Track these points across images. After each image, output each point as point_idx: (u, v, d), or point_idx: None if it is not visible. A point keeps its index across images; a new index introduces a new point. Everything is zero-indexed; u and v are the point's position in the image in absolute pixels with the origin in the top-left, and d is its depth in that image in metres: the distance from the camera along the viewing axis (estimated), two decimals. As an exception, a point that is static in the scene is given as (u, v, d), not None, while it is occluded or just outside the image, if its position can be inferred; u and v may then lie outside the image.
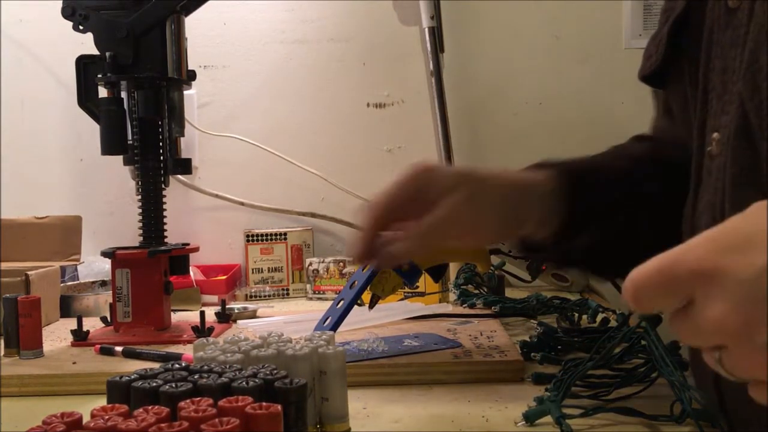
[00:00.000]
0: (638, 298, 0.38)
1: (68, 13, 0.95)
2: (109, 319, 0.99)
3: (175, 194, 1.35)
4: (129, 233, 1.16)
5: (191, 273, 1.24)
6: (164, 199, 1.00)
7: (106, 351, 0.87)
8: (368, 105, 1.51)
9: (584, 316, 0.98)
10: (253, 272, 1.38)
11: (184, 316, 1.08)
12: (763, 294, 0.35)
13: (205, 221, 1.51)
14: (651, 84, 0.70)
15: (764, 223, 0.37)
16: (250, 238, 1.39)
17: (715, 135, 0.56)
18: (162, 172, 0.99)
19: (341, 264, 1.31)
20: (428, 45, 1.45)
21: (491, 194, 0.69)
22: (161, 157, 0.99)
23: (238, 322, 1.06)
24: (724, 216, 0.54)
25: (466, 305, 1.09)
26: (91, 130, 0.98)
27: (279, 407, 0.46)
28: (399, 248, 0.67)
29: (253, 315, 1.12)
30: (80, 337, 0.92)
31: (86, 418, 0.46)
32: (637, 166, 0.76)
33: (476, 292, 1.17)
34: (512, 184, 0.70)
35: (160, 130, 0.98)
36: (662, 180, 0.75)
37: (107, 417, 0.45)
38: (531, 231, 0.72)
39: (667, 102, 0.80)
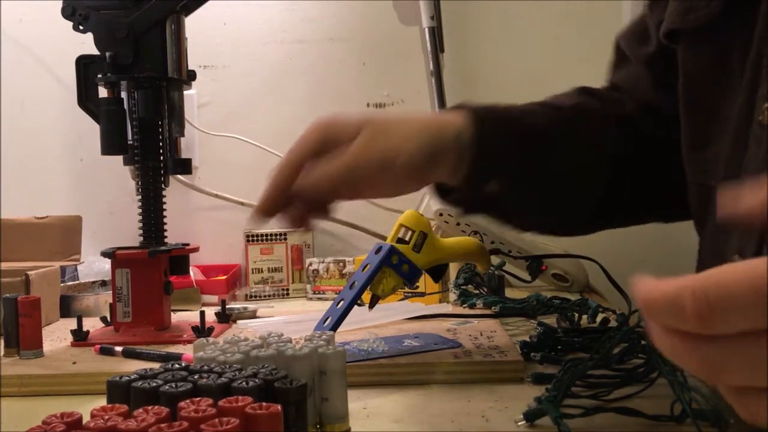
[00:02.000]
0: (709, 311, 0.29)
1: (68, 12, 0.95)
2: (109, 319, 0.99)
3: (175, 194, 1.35)
4: (129, 233, 1.16)
5: (191, 273, 1.24)
6: (164, 199, 1.00)
7: (106, 351, 0.87)
8: (368, 105, 1.51)
9: (584, 316, 0.98)
10: (253, 272, 1.38)
11: (184, 316, 1.08)
12: None
13: (205, 221, 1.51)
14: (674, 40, 0.66)
15: None
16: (250, 238, 1.39)
17: (767, 105, 0.54)
18: (162, 172, 0.99)
19: (341, 264, 1.31)
20: (428, 45, 1.45)
21: (397, 133, 0.65)
22: (161, 157, 0.99)
23: (238, 322, 1.06)
24: None
25: (466, 305, 1.09)
26: (91, 130, 0.98)
27: (279, 407, 0.46)
28: (306, 182, 0.63)
29: (253, 315, 1.12)
30: (80, 337, 0.92)
31: (86, 418, 0.46)
32: (568, 120, 0.74)
33: (476, 292, 1.17)
34: (420, 124, 0.67)
35: (160, 130, 0.98)
36: (601, 137, 0.75)
37: (107, 417, 0.45)
38: (444, 176, 0.69)
39: (638, 55, 0.78)
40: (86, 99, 0.97)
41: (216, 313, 1.03)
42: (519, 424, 0.60)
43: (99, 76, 0.95)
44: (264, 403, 0.47)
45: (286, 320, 1.07)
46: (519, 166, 0.71)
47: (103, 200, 1.50)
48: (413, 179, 0.68)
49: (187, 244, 1.01)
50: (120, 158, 0.99)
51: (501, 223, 0.76)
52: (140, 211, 0.99)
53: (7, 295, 0.88)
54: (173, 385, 0.50)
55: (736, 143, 0.58)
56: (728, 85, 0.60)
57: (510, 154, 0.70)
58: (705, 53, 0.63)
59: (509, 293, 1.18)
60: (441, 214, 1.33)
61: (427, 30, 1.45)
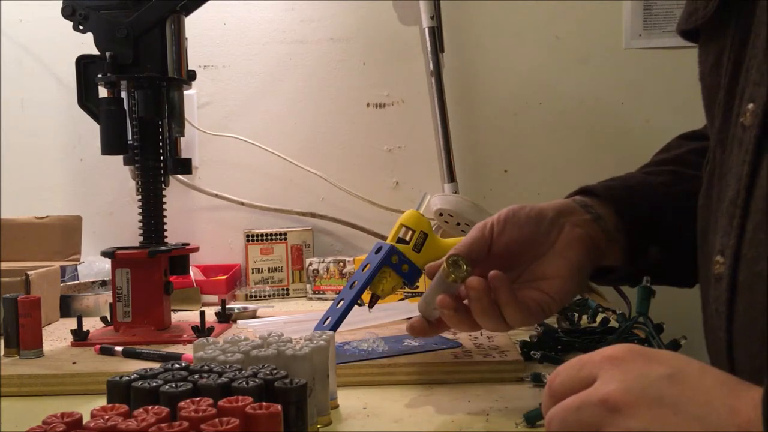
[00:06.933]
0: (553, 379, 0.47)
1: (68, 13, 0.95)
2: (109, 319, 0.99)
3: (175, 194, 1.35)
4: (129, 233, 1.16)
5: (191, 273, 1.24)
6: (164, 199, 1.00)
7: (106, 351, 0.87)
8: (368, 105, 1.51)
9: (584, 316, 0.98)
10: (253, 272, 1.38)
11: (184, 316, 1.08)
12: (654, 395, 0.42)
13: (205, 221, 1.51)
14: (689, 39, 0.68)
15: (683, 357, 0.45)
16: (250, 238, 1.39)
17: (750, 106, 0.54)
18: (162, 172, 0.99)
19: (341, 264, 1.31)
20: (428, 45, 1.45)
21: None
22: (161, 157, 0.99)
23: (238, 322, 1.06)
24: (750, 190, 0.53)
25: (466, 305, 1.09)
26: (91, 130, 0.98)
27: (279, 407, 0.46)
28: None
29: (253, 315, 1.12)
30: (80, 337, 0.92)
31: (86, 418, 0.46)
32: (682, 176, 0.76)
33: (476, 292, 1.16)
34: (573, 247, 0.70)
35: (160, 130, 0.98)
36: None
37: (107, 417, 0.45)
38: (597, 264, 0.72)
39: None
40: (86, 99, 0.97)
41: (216, 313, 1.03)
42: (519, 426, 0.60)
43: (99, 76, 0.96)
44: (264, 403, 0.47)
45: (286, 320, 1.07)
46: (669, 227, 0.73)
47: (103, 200, 1.50)
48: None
49: (187, 244, 1.01)
50: (120, 158, 0.99)
51: (671, 284, 0.78)
52: (140, 211, 0.99)
53: (7, 295, 0.88)
54: (173, 385, 0.50)
55: (719, 143, 0.59)
56: (720, 84, 0.61)
57: (655, 219, 0.73)
58: (710, 53, 0.64)
59: (509, 293, 1.18)
60: (441, 214, 1.32)
61: (427, 30, 1.45)
